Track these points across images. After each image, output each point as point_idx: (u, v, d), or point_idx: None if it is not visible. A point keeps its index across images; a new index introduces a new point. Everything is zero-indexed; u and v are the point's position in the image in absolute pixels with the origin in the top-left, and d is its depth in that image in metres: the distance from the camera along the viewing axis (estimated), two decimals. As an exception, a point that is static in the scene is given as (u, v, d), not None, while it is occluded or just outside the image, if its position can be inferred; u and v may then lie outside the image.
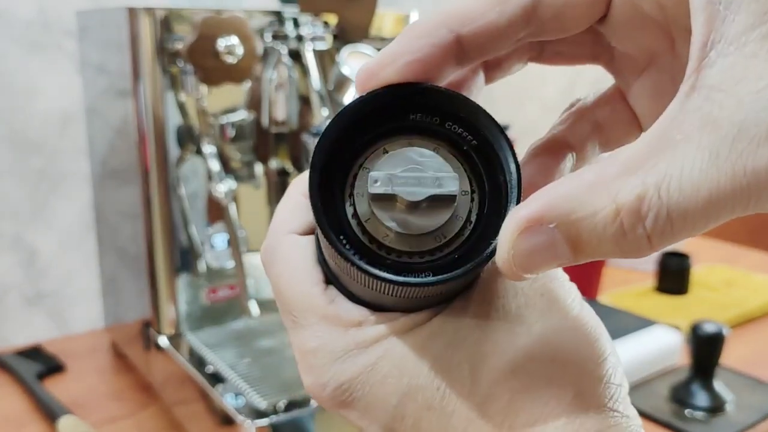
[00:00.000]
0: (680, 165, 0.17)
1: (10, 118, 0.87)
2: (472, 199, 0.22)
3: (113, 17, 0.70)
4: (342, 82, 0.65)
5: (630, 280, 1.13)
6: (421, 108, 0.22)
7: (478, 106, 0.22)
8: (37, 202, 0.91)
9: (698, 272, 1.12)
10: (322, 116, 0.67)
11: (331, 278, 0.25)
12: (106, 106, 0.78)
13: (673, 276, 1.06)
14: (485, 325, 0.23)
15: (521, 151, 0.24)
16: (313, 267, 0.26)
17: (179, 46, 0.65)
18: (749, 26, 0.17)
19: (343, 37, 0.70)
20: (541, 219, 0.19)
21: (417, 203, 0.20)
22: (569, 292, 0.25)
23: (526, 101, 1.45)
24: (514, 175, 0.21)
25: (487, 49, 0.22)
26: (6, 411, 0.76)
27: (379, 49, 0.66)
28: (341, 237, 0.21)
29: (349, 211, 0.21)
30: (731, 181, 0.17)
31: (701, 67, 0.18)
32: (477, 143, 0.22)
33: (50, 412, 0.73)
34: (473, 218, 0.22)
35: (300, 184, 0.28)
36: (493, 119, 0.22)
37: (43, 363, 0.84)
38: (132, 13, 0.66)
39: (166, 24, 0.67)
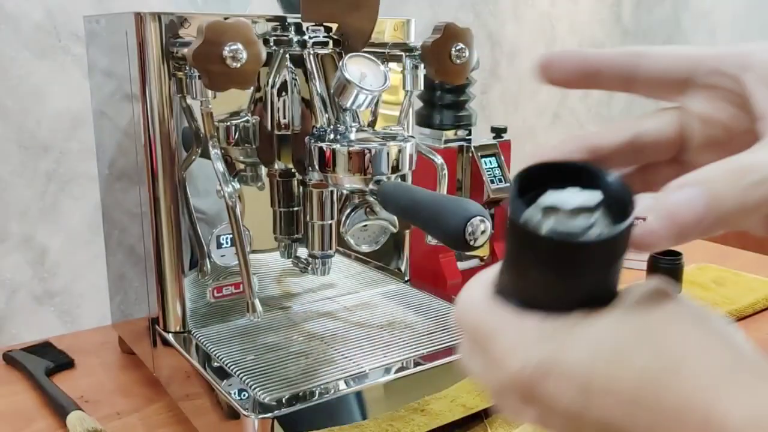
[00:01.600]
0: None
1: (20, 120, 0.89)
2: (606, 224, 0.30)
3: (120, 22, 0.72)
4: (344, 87, 0.66)
5: (624, 280, 1.14)
6: (569, 177, 0.31)
7: (606, 174, 0.31)
8: (46, 203, 0.92)
9: (689, 271, 1.13)
10: (324, 120, 0.69)
11: (511, 300, 0.31)
12: (113, 109, 0.80)
13: (666, 274, 1.08)
14: (661, 321, 0.28)
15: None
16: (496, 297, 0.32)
17: (185, 50, 0.66)
18: None
19: (345, 42, 0.72)
20: (686, 182, 0.27)
21: (571, 211, 0.29)
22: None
23: (520, 106, 1.47)
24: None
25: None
26: (17, 406, 0.78)
27: (380, 52, 0.68)
28: None
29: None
30: None
31: None
32: (608, 201, 0.30)
33: (59, 407, 0.75)
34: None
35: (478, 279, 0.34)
36: (623, 185, 0.30)
37: (53, 359, 0.86)
38: (139, 18, 0.68)
39: (172, 29, 0.68)
